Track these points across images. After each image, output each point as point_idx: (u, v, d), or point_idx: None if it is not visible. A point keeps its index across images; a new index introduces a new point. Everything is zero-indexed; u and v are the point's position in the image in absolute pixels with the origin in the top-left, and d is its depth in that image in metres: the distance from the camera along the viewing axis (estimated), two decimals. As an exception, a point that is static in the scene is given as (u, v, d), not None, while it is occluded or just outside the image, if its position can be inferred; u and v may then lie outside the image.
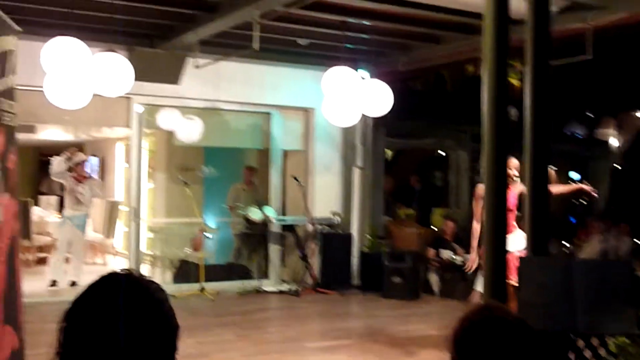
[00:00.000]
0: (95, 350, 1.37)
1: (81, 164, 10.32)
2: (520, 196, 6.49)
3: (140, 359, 1.39)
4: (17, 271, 3.49)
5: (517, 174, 6.69)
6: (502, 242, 5.19)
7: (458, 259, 10.36)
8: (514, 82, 14.12)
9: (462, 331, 1.80)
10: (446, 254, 10.54)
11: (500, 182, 5.17)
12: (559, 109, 12.63)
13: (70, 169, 10.19)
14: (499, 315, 1.82)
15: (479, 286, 9.30)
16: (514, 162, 6.65)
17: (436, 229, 12.77)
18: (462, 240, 10.97)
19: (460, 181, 14.52)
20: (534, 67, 5.43)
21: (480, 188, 6.29)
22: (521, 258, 5.54)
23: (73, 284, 9.95)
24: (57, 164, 10.04)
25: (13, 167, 3.45)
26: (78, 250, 10.29)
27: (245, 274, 10.90)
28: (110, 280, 1.47)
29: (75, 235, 10.15)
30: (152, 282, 1.49)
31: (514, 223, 6.76)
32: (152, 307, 1.45)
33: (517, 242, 6.46)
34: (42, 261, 12.88)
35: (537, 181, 5.42)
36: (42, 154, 19.37)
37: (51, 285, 9.91)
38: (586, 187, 7.30)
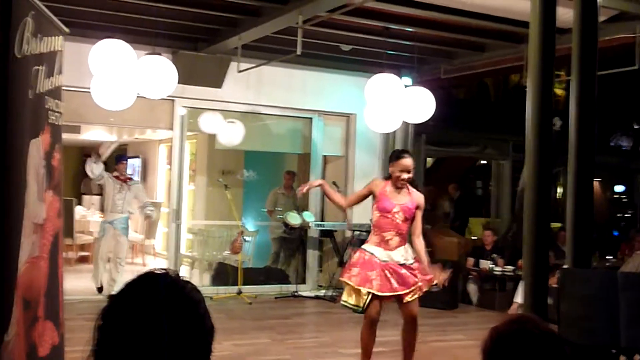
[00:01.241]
0: (131, 349, 1.38)
1: (123, 165, 9.96)
2: (418, 207, 5.86)
3: (175, 359, 1.39)
4: (59, 268, 3.54)
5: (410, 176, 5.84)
6: (544, 254, 5.12)
7: (498, 270, 10.25)
8: (559, 91, 13.96)
9: (493, 342, 1.79)
10: (485, 264, 10.42)
11: (542, 194, 5.10)
12: (605, 120, 12.44)
13: (111, 170, 9.97)
14: (530, 328, 1.80)
15: (519, 298, 9.21)
16: (407, 163, 5.82)
17: (475, 239, 12.67)
18: (502, 250, 10.86)
19: (502, 191, 14.38)
20: (580, 77, 5.35)
21: (375, 184, 5.93)
22: (563, 270, 5.45)
23: (99, 289, 9.70)
24: (96, 166, 9.67)
25: (58, 166, 3.50)
26: (119, 255, 9.69)
27: (282, 278, 10.92)
28: (147, 280, 1.47)
29: (117, 239, 9.67)
30: (188, 282, 1.49)
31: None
32: (188, 307, 1.45)
33: (408, 253, 5.89)
34: (83, 259, 13.09)
35: (581, 193, 5.33)
36: (86, 154, 19.68)
37: (99, 291, 9.63)
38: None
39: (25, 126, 3.02)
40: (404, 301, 5.89)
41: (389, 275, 5.75)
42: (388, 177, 5.98)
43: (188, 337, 1.41)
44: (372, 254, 5.79)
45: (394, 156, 5.98)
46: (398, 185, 5.83)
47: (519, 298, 9.27)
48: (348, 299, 5.84)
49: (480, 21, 8.21)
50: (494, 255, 10.51)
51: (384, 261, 5.76)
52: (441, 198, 14.39)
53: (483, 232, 11.43)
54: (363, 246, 6.00)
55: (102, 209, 14.78)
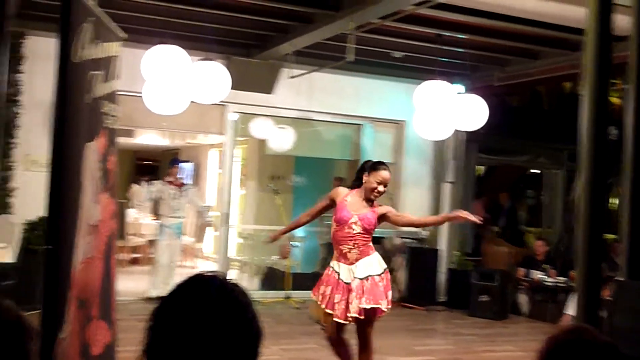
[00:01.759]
0: (180, 350, 1.39)
1: (176, 169, 10.08)
2: (383, 218, 5.46)
3: None
4: (113, 269, 3.61)
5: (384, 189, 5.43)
6: (597, 265, 5.01)
7: (549, 281, 10.09)
8: (615, 100, 13.68)
9: (549, 351, 1.77)
10: (537, 274, 10.26)
11: (597, 204, 5.00)
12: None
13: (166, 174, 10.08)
14: (587, 338, 1.77)
15: (571, 310, 9.04)
16: (387, 176, 5.45)
17: (526, 249, 12.48)
18: (554, 261, 10.68)
19: (554, 201, 14.14)
20: (637, 85, 5.23)
21: (337, 193, 5.53)
22: (617, 282, 5.33)
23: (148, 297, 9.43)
24: (150, 187, 9.95)
25: (113, 168, 3.57)
26: (173, 258, 9.79)
27: (330, 284, 10.91)
28: (197, 282, 1.49)
29: (172, 242, 9.79)
30: (237, 285, 1.51)
31: (371, 245, 5.57)
32: (237, 310, 1.46)
33: (372, 266, 5.49)
34: (135, 261, 13.29)
35: (637, 203, 5.21)
36: (138, 158, 20.00)
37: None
38: (463, 214, 5.64)
39: (81, 130, 3.09)
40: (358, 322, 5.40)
41: (343, 298, 5.36)
42: (354, 186, 5.53)
43: (236, 340, 1.43)
44: (338, 272, 5.44)
45: (371, 166, 5.48)
46: (371, 198, 5.40)
47: (570, 310, 9.11)
48: (317, 313, 5.57)
49: (534, 28, 8.10)
50: (546, 265, 10.35)
51: (347, 283, 5.37)
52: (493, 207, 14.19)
53: (534, 242, 11.27)
54: (331, 263, 5.60)
55: (155, 212, 15.02)
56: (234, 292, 1.48)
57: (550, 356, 1.76)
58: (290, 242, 10.11)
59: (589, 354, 1.73)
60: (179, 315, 1.43)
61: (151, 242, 13.68)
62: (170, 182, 9.86)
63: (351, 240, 5.38)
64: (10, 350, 1.42)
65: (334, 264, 5.50)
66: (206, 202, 14.66)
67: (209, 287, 1.47)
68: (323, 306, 5.39)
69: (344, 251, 5.41)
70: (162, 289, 9.22)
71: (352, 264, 5.38)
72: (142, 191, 9.90)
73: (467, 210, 11.84)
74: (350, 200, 5.44)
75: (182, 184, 10.01)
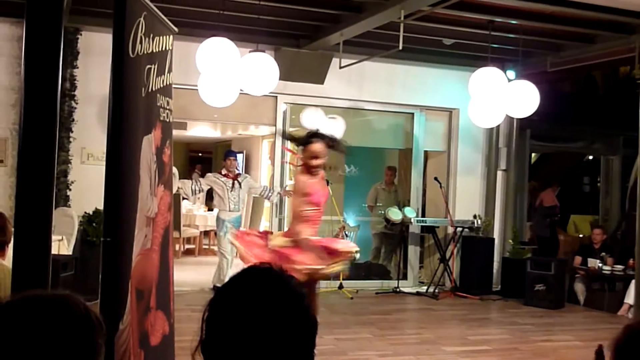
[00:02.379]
0: (237, 341, 1.41)
1: (231, 161, 9.62)
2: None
3: (280, 352, 1.41)
4: (170, 260, 3.66)
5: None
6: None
7: (607, 269, 9.91)
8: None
9: (626, 339, 1.74)
10: (594, 263, 10.09)
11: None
12: None
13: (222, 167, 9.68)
14: None
15: (630, 298, 8.88)
16: (319, 148, 5.57)
17: (582, 236, 12.29)
18: (611, 249, 10.49)
19: (611, 187, 13.87)
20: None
21: (302, 182, 5.57)
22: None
23: (214, 287, 9.31)
24: (192, 186, 9.42)
25: (168, 161, 3.62)
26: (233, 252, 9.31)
27: (383, 274, 10.92)
28: (253, 273, 1.50)
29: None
30: (292, 277, 1.52)
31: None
32: (293, 301, 1.47)
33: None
34: (190, 252, 13.48)
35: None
36: (191, 150, 20.28)
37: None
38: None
39: (138, 123, 3.14)
40: None
41: None
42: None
43: (293, 330, 1.44)
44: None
45: (302, 141, 5.62)
46: (313, 173, 5.54)
47: (630, 299, 8.94)
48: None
49: (589, 12, 7.92)
50: (603, 254, 10.17)
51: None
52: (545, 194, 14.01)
53: (592, 230, 11.07)
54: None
55: (206, 203, 15.19)
56: (290, 284, 1.49)
57: (627, 346, 1.74)
58: (343, 232, 10.12)
59: None
60: (235, 306, 1.44)
61: (206, 234, 13.87)
62: (225, 175, 9.53)
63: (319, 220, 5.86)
64: (80, 344, 1.45)
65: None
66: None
67: (266, 278, 1.48)
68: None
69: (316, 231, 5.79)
70: (220, 280, 9.26)
71: None
72: (187, 184, 9.44)
73: (521, 197, 11.77)
74: (313, 182, 5.67)
75: (238, 175, 9.66)
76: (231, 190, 9.42)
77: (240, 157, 16.39)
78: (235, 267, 9.17)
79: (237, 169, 9.98)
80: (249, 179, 9.91)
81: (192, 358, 1.47)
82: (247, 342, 1.40)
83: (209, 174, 9.83)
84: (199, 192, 9.70)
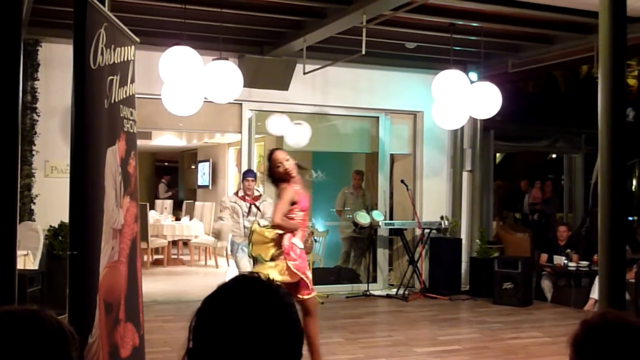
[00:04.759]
0: (224, 350, 1.39)
1: (249, 182, 8.34)
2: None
3: None
4: (138, 271, 3.64)
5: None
6: (620, 248, 5.00)
7: (572, 265, 10.04)
8: (631, 82, 13.58)
9: (584, 334, 1.77)
10: (559, 259, 10.22)
11: (617, 186, 4.98)
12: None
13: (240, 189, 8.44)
14: (622, 321, 1.77)
15: (596, 294, 9.01)
16: (280, 155, 5.85)
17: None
18: (576, 245, 10.63)
19: (575, 185, 14.07)
20: (653, 65, 5.20)
21: (288, 191, 5.67)
22: (640, 264, 5.32)
23: None
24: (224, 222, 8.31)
25: (133, 172, 3.60)
26: None
27: (353, 278, 10.95)
28: (241, 283, 1.49)
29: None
30: (281, 287, 1.51)
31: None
32: (281, 311, 1.46)
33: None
34: (158, 262, 13.38)
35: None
36: (157, 159, 20.16)
37: None
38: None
39: (102, 135, 3.12)
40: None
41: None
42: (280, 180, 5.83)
43: (280, 341, 1.43)
44: (302, 249, 5.84)
45: (267, 158, 6.01)
46: (290, 179, 5.77)
47: (595, 294, 9.08)
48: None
49: (547, 13, 8.05)
50: (568, 250, 10.31)
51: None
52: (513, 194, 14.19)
53: (557, 228, 11.21)
54: (293, 240, 5.80)
55: (173, 213, 15.10)
56: (279, 294, 1.48)
57: (585, 341, 1.76)
58: (312, 237, 10.14)
59: (624, 337, 1.73)
60: (223, 315, 1.42)
61: (174, 244, 13.75)
62: (243, 198, 8.31)
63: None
64: (53, 357, 1.44)
65: (298, 242, 5.81)
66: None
67: (254, 288, 1.47)
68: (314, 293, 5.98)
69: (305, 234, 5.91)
70: None
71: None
72: (224, 226, 8.34)
73: (487, 197, 11.89)
74: (297, 190, 5.82)
75: (258, 197, 8.38)
76: (247, 215, 8.23)
77: (206, 165, 16.34)
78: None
79: (258, 190, 8.59)
80: (268, 202, 8.31)
81: None
82: (234, 352, 1.39)
83: (226, 200, 8.50)
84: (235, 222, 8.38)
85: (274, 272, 5.54)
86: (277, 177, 5.82)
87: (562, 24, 8.65)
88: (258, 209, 8.24)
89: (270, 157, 5.89)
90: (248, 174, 8.58)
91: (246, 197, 8.30)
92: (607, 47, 5.02)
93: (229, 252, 9.11)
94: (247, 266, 8.14)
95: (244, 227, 8.08)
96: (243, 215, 8.23)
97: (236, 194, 8.45)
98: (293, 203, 5.76)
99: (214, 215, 13.49)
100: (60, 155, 8.38)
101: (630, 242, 8.97)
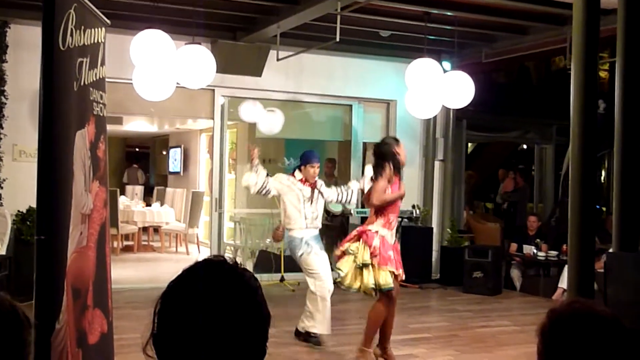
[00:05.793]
0: (189, 333, 1.39)
1: (313, 167, 7.09)
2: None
3: (233, 345, 1.41)
4: (107, 257, 3.60)
5: None
6: (590, 238, 5.05)
7: (541, 255, 10.14)
8: (603, 74, 13.71)
9: (551, 323, 1.77)
10: (529, 249, 10.33)
11: (588, 177, 5.02)
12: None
13: (299, 170, 7.16)
14: (589, 310, 1.78)
15: (564, 283, 9.10)
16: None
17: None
18: (546, 235, 10.74)
19: (545, 176, 14.20)
20: (625, 58, 5.25)
21: (389, 169, 6.04)
22: (609, 254, 5.38)
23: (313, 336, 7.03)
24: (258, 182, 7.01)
25: (103, 157, 3.55)
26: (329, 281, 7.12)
27: (324, 266, 10.91)
28: (206, 266, 1.48)
29: (322, 256, 7.08)
30: (246, 270, 1.51)
31: None
32: (247, 294, 1.46)
33: None
34: (128, 249, 13.28)
35: (627, 176, 5.23)
36: (128, 145, 19.97)
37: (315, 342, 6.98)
38: None
39: (71, 118, 3.06)
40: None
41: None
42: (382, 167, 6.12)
43: (247, 323, 1.43)
44: (383, 235, 6.02)
45: (396, 144, 6.27)
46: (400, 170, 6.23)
47: (564, 283, 9.18)
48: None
49: (522, 3, 8.09)
50: (538, 240, 10.41)
51: (391, 243, 6.10)
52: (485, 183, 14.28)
53: (527, 217, 11.31)
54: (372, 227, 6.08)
55: (144, 199, 14.96)
56: (244, 277, 1.48)
57: (552, 330, 1.77)
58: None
59: (591, 326, 1.73)
60: (189, 298, 1.42)
61: (144, 230, 13.64)
62: (302, 181, 7.07)
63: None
64: (6, 340, 1.41)
65: (380, 229, 6.00)
66: (197, 188, 14.64)
67: (219, 271, 1.47)
68: (400, 271, 6.06)
69: (391, 220, 6.08)
70: (323, 322, 7.00)
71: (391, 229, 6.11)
72: (252, 178, 7.00)
73: (459, 187, 11.94)
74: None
75: (315, 183, 7.14)
76: (310, 202, 7.04)
77: (178, 151, 16.22)
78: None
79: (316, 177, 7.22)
80: (323, 184, 7.29)
81: (143, 352, 1.44)
82: (199, 335, 1.39)
83: (281, 175, 7.34)
84: (265, 194, 7.13)
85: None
86: (391, 164, 6.07)
87: (536, 14, 8.69)
88: (321, 194, 7.11)
89: (389, 146, 6.19)
90: (313, 158, 7.16)
91: (305, 182, 7.05)
92: (581, 39, 5.05)
93: (295, 254, 7.20)
94: (314, 265, 7.00)
95: (305, 217, 6.96)
96: (305, 202, 7.00)
97: (292, 175, 7.17)
98: (389, 182, 6.04)
99: (185, 202, 13.41)
100: (29, 139, 8.24)
101: (599, 232, 9.08)
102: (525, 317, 8.25)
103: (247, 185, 7.07)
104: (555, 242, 10.30)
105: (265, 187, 6.98)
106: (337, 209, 10.28)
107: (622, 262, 4.90)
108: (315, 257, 6.95)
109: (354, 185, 7.25)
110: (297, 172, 7.13)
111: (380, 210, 6.03)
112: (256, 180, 6.95)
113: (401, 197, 6.18)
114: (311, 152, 7.41)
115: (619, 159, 5.26)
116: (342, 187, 7.39)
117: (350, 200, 7.31)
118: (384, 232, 6.00)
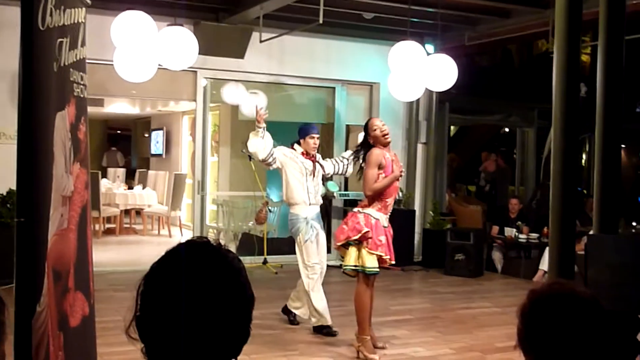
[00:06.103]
0: (172, 315, 1.39)
1: (314, 138, 6.83)
2: None
3: (216, 326, 1.41)
4: (88, 239, 3.57)
5: None
6: (571, 221, 5.09)
7: (522, 237, 10.22)
8: (584, 57, 13.75)
9: (531, 304, 1.79)
10: (510, 231, 10.40)
11: (569, 160, 5.05)
12: (631, 86, 12.26)
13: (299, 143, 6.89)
14: (568, 290, 1.79)
15: (545, 265, 9.18)
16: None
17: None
18: (527, 218, 10.82)
19: (526, 159, 14.28)
20: (606, 42, 5.26)
21: (375, 154, 5.93)
22: (589, 236, 5.43)
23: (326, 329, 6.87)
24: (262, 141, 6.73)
25: (84, 138, 3.52)
26: (323, 265, 6.86)
27: (307, 248, 10.92)
28: (190, 248, 1.48)
29: (321, 241, 6.79)
30: (230, 251, 1.51)
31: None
32: (230, 275, 1.46)
33: None
34: (110, 232, 13.23)
35: (608, 159, 5.27)
36: (109, 127, 19.82)
37: (327, 333, 6.82)
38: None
39: (51, 99, 3.03)
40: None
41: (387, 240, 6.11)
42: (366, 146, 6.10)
43: (230, 305, 1.44)
44: (377, 219, 6.00)
45: (364, 127, 6.27)
46: (386, 143, 6.17)
47: (544, 265, 9.26)
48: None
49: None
50: (519, 223, 10.48)
51: (385, 227, 6.10)
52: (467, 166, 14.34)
53: (509, 200, 11.38)
54: (367, 211, 6.01)
55: (125, 181, 14.88)
56: (228, 258, 1.48)
57: (532, 311, 1.78)
58: (267, 208, 10.10)
59: (571, 307, 1.75)
60: (172, 279, 1.41)
61: (127, 212, 13.58)
62: (303, 154, 6.82)
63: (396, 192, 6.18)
64: None
65: (374, 213, 6.00)
66: (179, 170, 14.59)
67: (202, 253, 1.47)
68: (388, 256, 6.13)
69: (388, 203, 6.10)
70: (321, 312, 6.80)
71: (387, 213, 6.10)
72: (259, 143, 6.68)
73: (441, 169, 11.95)
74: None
75: (315, 156, 6.90)
76: (312, 176, 6.77)
77: (160, 133, 16.14)
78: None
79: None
80: (320, 157, 7.08)
81: (126, 333, 1.44)
82: (182, 316, 1.38)
83: (283, 147, 6.97)
84: (270, 162, 6.80)
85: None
86: (372, 141, 6.00)
87: (518, -3, 8.71)
88: (322, 167, 6.88)
89: (367, 124, 6.13)
90: (312, 129, 6.94)
91: (306, 155, 6.80)
92: (563, 22, 5.05)
93: (297, 237, 6.74)
94: (312, 256, 6.65)
95: (308, 192, 6.70)
96: (307, 175, 6.73)
97: (292, 147, 6.91)
98: (380, 167, 5.90)
99: (168, 185, 13.37)
100: (9, 121, 8.09)
101: (580, 215, 9.16)
102: (506, 299, 8.32)
103: (254, 151, 6.74)
104: (536, 224, 10.38)
105: (272, 154, 6.70)
106: (334, 189, 10.23)
107: (602, 244, 4.94)
108: (316, 247, 6.69)
109: (348, 154, 7.11)
110: (296, 146, 6.88)
111: (376, 193, 5.98)
112: (264, 145, 6.65)
113: (397, 179, 6.09)
114: (309, 124, 7.26)
115: (600, 142, 5.30)
116: (336, 158, 7.37)
117: (347, 170, 7.11)
118: (377, 216, 5.98)
